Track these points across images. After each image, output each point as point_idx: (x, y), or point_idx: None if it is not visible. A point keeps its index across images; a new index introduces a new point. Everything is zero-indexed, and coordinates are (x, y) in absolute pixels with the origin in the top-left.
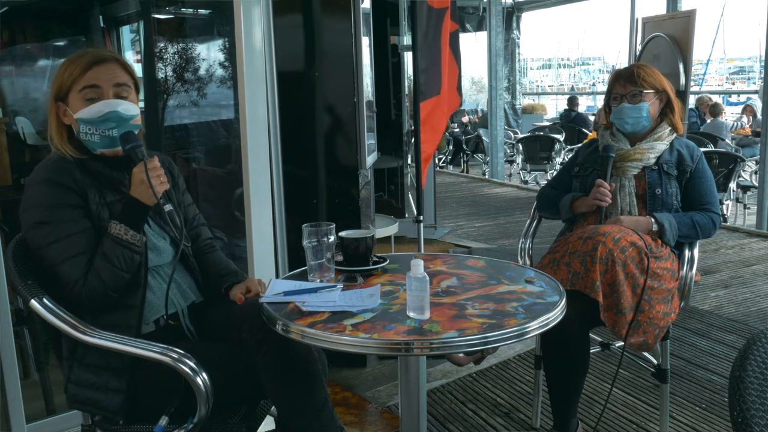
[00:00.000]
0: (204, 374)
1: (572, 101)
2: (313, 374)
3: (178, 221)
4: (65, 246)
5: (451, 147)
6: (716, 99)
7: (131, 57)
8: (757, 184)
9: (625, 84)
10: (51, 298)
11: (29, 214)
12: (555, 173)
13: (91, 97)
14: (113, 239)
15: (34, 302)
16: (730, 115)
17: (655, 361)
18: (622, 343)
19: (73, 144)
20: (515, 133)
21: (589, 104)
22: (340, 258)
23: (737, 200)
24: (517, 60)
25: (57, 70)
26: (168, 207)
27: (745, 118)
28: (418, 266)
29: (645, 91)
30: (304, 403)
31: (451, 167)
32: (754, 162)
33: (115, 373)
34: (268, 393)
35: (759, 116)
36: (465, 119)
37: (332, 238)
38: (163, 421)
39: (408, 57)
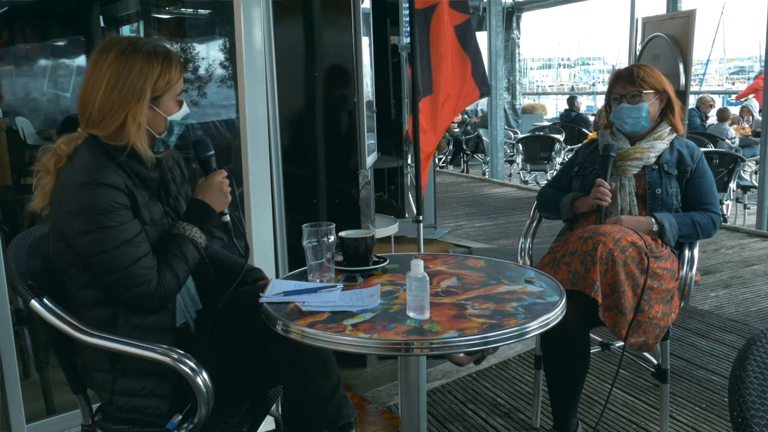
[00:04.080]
0: (204, 374)
1: (572, 101)
2: (326, 356)
3: (234, 231)
4: (133, 247)
5: (451, 147)
6: (717, 100)
7: None
8: (757, 184)
9: (624, 84)
10: (76, 295)
11: (80, 219)
12: (555, 173)
13: (180, 101)
14: (190, 240)
15: (34, 302)
16: (731, 114)
17: (655, 361)
18: (622, 343)
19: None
20: (515, 133)
21: (589, 104)
22: (340, 258)
23: (737, 200)
24: (517, 60)
25: (141, 68)
26: (227, 217)
27: (745, 123)
28: (418, 266)
29: (645, 91)
30: (320, 385)
31: (451, 167)
32: (754, 162)
33: (160, 376)
34: (282, 378)
35: (757, 116)
36: (458, 118)
37: (332, 238)
38: (176, 418)
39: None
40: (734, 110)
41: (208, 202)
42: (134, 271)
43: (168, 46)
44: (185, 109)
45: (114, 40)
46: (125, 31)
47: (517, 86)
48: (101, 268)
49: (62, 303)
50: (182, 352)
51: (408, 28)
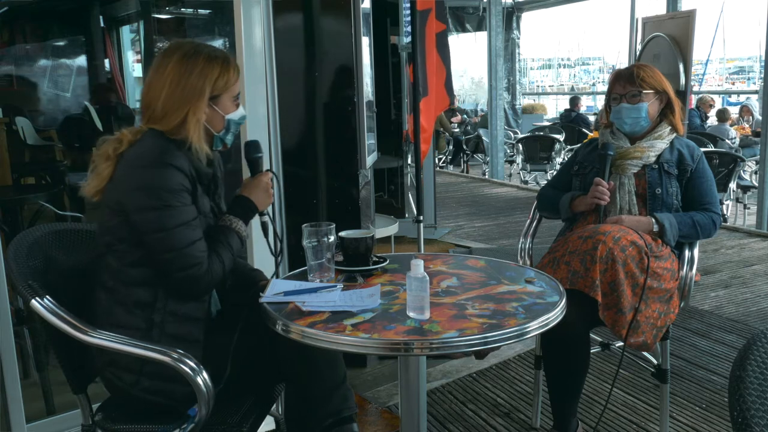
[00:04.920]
0: (204, 374)
1: (574, 101)
2: (335, 350)
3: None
4: (191, 230)
5: (451, 147)
6: (717, 100)
7: (131, 57)
8: (757, 184)
9: (624, 84)
10: (119, 273)
11: (146, 195)
12: (555, 173)
13: (237, 102)
14: (236, 232)
15: (34, 302)
16: (731, 115)
17: (655, 361)
18: (622, 343)
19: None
20: (515, 133)
21: (589, 104)
22: (340, 258)
23: (737, 200)
24: (517, 60)
25: (202, 69)
26: (266, 218)
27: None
28: (418, 266)
29: (644, 91)
30: (328, 377)
31: (451, 167)
32: (754, 162)
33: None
34: (289, 372)
35: (757, 116)
36: (457, 119)
37: (332, 238)
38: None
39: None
40: (734, 110)
41: (253, 200)
42: (189, 253)
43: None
44: (242, 110)
45: (178, 44)
46: (125, 30)
47: (517, 86)
48: (158, 245)
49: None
50: (182, 351)
51: (408, 28)
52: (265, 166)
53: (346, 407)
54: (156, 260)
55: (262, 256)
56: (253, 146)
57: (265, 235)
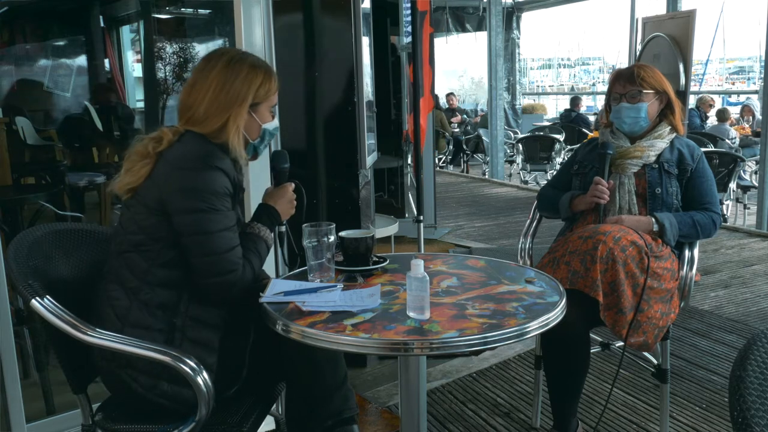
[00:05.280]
0: (204, 374)
1: (575, 101)
2: (336, 350)
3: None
4: (232, 234)
5: (451, 147)
6: (717, 99)
7: (131, 57)
8: (757, 184)
9: (624, 84)
10: (145, 274)
11: (195, 196)
12: (555, 173)
13: (274, 113)
14: (263, 240)
15: (34, 302)
16: (731, 115)
17: (655, 361)
18: (622, 343)
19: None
20: (515, 133)
21: (589, 104)
22: (340, 258)
23: (737, 200)
24: (517, 60)
25: (246, 75)
26: (284, 227)
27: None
28: (418, 266)
29: (644, 91)
30: (330, 377)
31: (451, 167)
32: (754, 162)
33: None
34: (291, 371)
35: (758, 116)
36: (457, 119)
37: (332, 238)
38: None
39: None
40: (734, 110)
41: (278, 209)
42: (228, 258)
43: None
44: (276, 121)
45: (222, 50)
46: (125, 31)
47: (517, 86)
48: (197, 248)
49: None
50: (182, 351)
51: (408, 28)
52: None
53: (347, 408)
54: (192, 263)
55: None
56: (282, 156)
57: (281, 244)
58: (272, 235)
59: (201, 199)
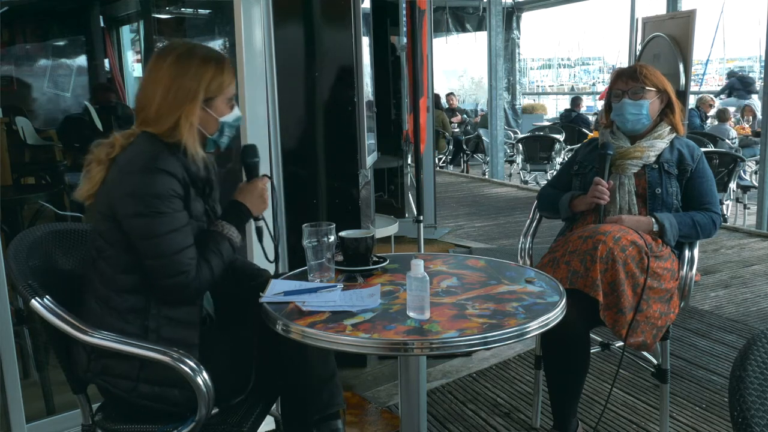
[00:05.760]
0: (204, 374)
1: (575, 101)
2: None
3: (268, 236)
4: (182, 236)
5: (451, 147)
6: (717, 100)
7: (131, 57)
8: (757, 184)
9: (627, 80)
10: (111, 280)
11: (137, 201)
12: (555, 173)
13: (232, 104)
14: (227, 239)
15: (34, 302)
16: (731, 115)
17: (655, 361)
18: (622, 343)
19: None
20: (515, 133)
21: (589, 104)
22: (340, 258)
23: (737, 200)
24: (517, 60)
25: (196, 71)
26: (261, 222)
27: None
28: (418, 266)
29: (647, 88)
30: (318, 372)
31: (451, 167)
32: (754, 162)
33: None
34: (286, 363)
35: (759, 116)
36: (457, 119)
37: (332, 238)
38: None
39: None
40: (733, 110)
41: (248, 205)
42: (178, 260)
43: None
44: (236, 112)
45: (172, 45)
46: (125, 30)
47: (517, 86)
48: (147, 252)
49: (77, 294)
50: (182, 351)
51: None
52: (263, 170)
53: (333, 403)
54: (145, 266)
55: (262, 256)
56: (251, 150)
57: (260, 240)
58: (239, 232)
59: (144, 203)
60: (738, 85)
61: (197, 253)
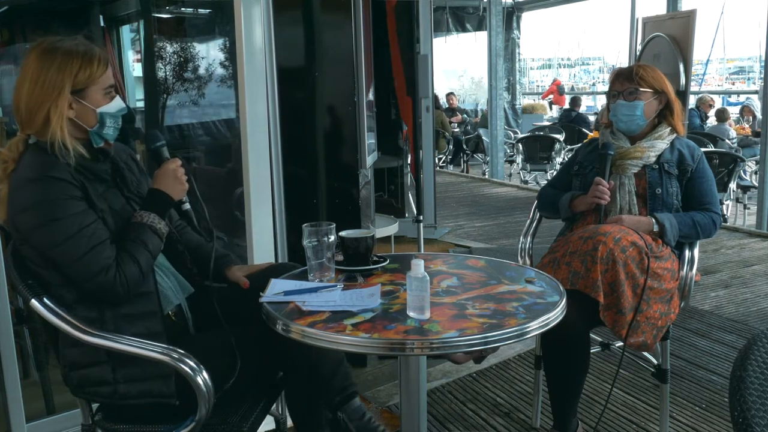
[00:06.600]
0: (204, 373)
1: (575, 101)
2: None
3: (195, 220)
4: (86, 237)
5: (451, 147)
6: (717, 100)
7: (131, 57)
8: (757, 184)
9: (623, 81)
10: (58, 297)
11: (31, 214)
12: (555, 173)
13: (112, 95)
14: (148, 227)
15: (34, 302)
16: (730, 114)
17: (655, 361)
18: (622, 343)
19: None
20: (515, 133)
21: (589, 104)
22: (340, 258)
23: (737, 200)
24: (517, 60)
25: (60, 63)
26: (187, 206)
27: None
28: (418, 266)
29: (641, 89)
30: (330, 356)
31: (451, 167)
32: (754, 162)
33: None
34: (295, 354)
35: (758, 116)
36: (457, 119)
37: (332, 238)
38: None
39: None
40: (734, 110)
41: (165, 190)
42: (89, 260)
43: (91, 43)
44: (118, 102)
45: (38, 42)
46: (125, 30)
47: (517, 86)
48: (59, 261)
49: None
50: (182, 351)
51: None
52: (264, 170)
53: (349, 383)
54: (65, 275)
55: (262, 256)
56: (151, 136)
57: (190, 224)
58: (163, 219)
59: (38, 213)
60: None
61: (118, 248)
